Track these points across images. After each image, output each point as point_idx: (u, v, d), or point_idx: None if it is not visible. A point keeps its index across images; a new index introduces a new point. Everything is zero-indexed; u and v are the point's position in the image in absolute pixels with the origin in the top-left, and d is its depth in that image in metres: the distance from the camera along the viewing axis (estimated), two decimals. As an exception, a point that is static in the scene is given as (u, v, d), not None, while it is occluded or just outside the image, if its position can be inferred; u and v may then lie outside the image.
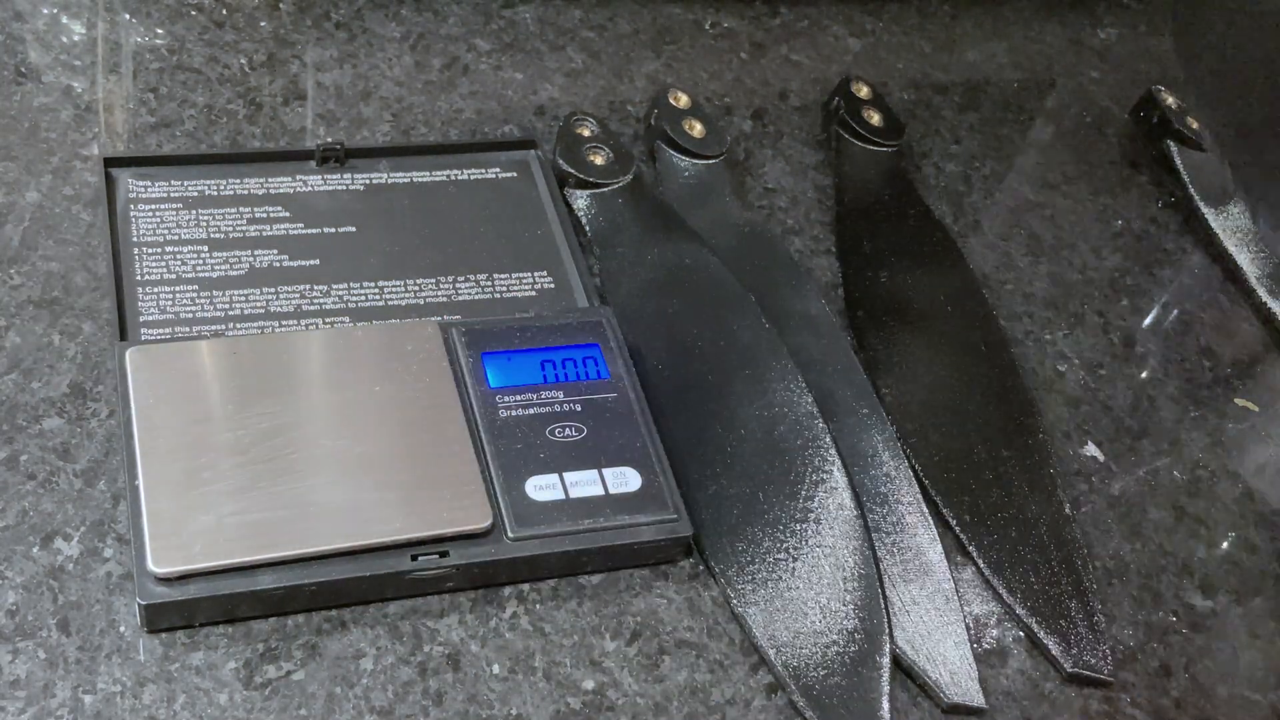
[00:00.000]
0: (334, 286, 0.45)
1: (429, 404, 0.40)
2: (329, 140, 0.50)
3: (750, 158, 0.57)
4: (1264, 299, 0.57)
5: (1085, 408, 0.50)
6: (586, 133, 0.52)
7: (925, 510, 0.44)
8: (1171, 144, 0.62)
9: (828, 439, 0.43)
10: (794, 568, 0.41)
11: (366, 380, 0.41)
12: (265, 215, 0.47)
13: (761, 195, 0.55)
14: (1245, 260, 0.58)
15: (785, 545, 0.41)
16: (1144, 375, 0.52)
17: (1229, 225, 0.59)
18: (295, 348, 0.42)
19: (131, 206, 0.46)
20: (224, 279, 0.45)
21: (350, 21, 0.58)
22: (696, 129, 0.53)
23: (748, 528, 0.41)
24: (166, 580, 0.35)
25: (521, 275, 0.48)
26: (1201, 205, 0.60)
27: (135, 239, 0.45)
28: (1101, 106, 0.66)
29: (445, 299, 0.46)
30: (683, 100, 0.54)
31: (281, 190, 0.48)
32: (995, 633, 0.42)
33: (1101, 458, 0.48)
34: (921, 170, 0.59)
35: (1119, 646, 0.42)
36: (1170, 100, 0.63)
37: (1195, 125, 0.62)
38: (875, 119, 0.57)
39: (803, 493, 0.42)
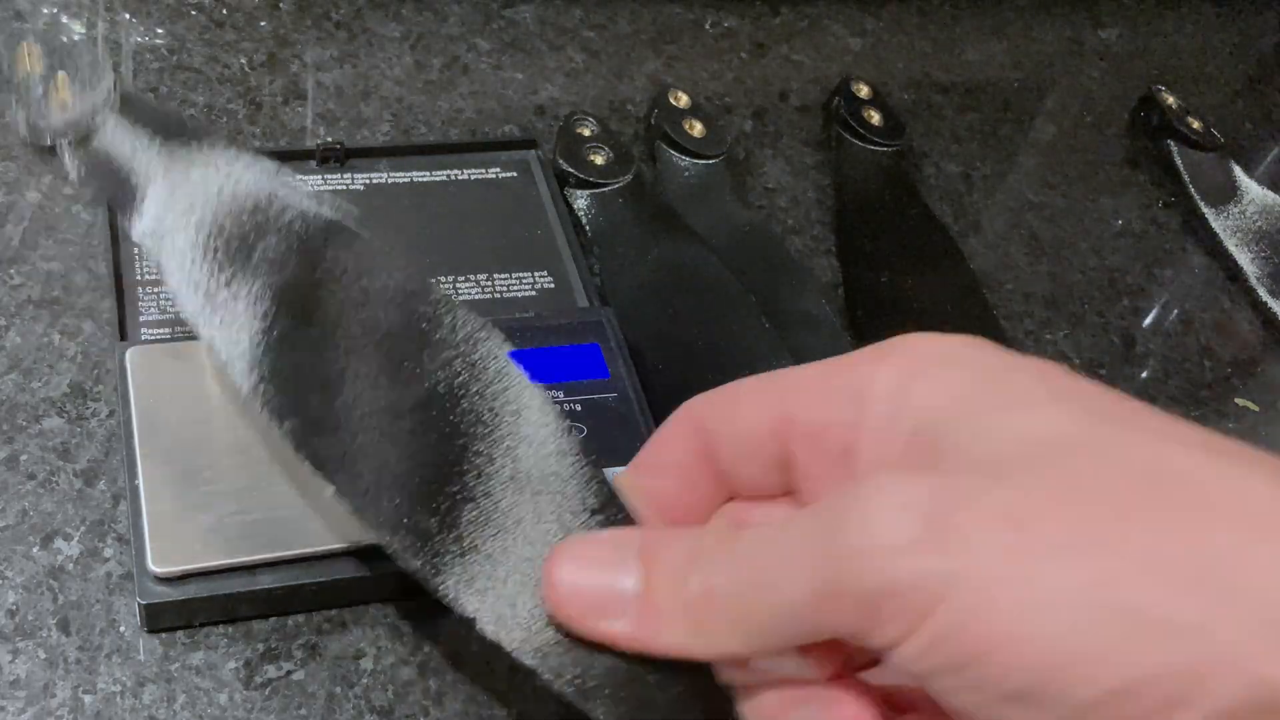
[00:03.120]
0: (334, 286, 0.45)
1: (429, 404, 0.40)
2: (329, 140, 0.50)
3: (750, 158, 0.57)
4: (1264, 299, 0.57)
5: (1085, 408, 0.50)
6: (587, 132, 0.52)
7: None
8: (1172, 144, 0.62)
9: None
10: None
11: (366, 380, 0.40)
12: (265, 215, 0.47)
13: (761, 195, 0.55)
14: (1245, 260, 0.58)
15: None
16: (1144, 375, 0.52)
17: (1229, 225, 0.59)
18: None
19: (131, 206, 0.46)
20: (224, 279, 0.45)
21: (350, 21, 0.58)
22: (697, 129, 0.53)
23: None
24: (166, 580, 0.35)
25: (521, 275, 0.48)
26: (1202, 205, 0.60)
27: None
28: (1102, 106, 0.66)
29: (445, 299, 0.46)
30: (683, 100, 0.54)
31: (281, 190, 0.48)
32: (995, 633, 0.42)
33: (1101, 458, 0.48)
34: (921, 170, 0.59)
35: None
36: (1170, 100, 0.63)
37: (1196, 125, 0.62)
38: (876, 119, 0.57)
39: (803, 493, 0.42)
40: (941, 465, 0.24)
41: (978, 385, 0.25)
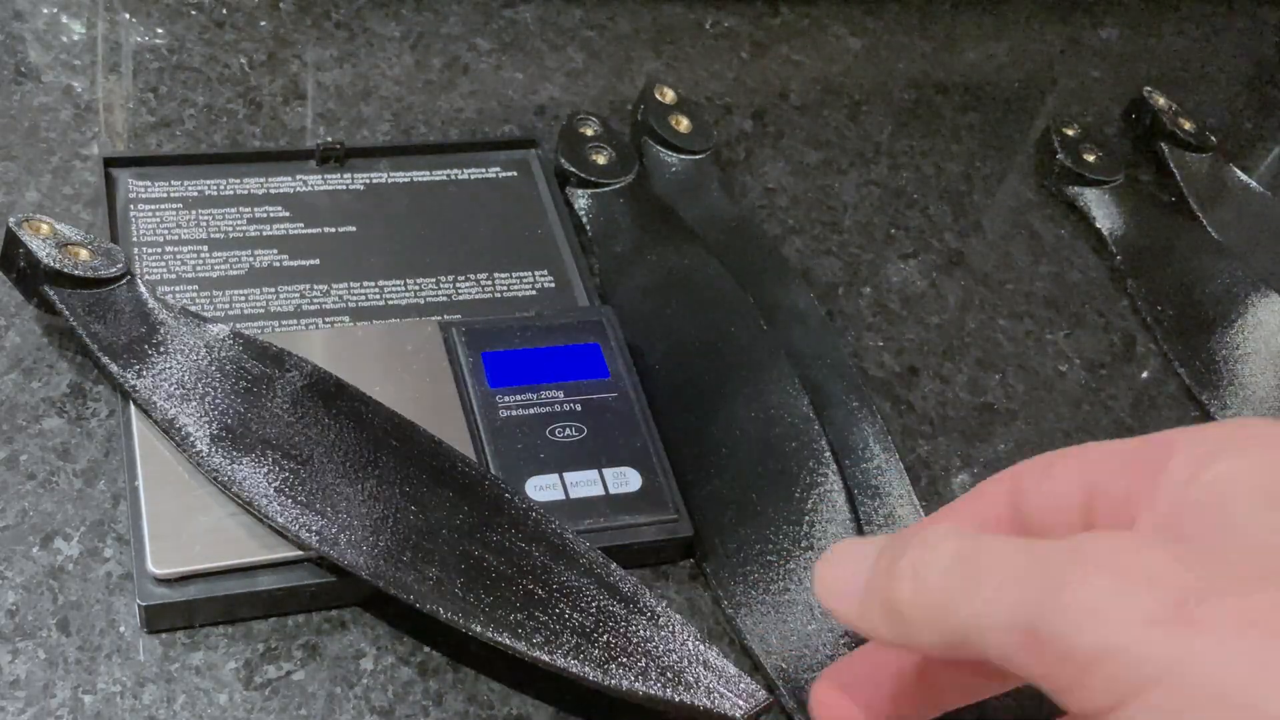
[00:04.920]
0: (334, 286, 0.45)
1: (429, 404, 0.40)
2: (329, 140, 0.50)
3: (750, 157, 0.57)
4: (1259, 298, 0.57)
5: (1085, 408, 0.50)
6: (589, 132, 0.52)
7: (916, 503, 0.44)
8: (1164, 145, 0.61)
9: (823, 442, 0.43)
10: (787, 569, 0.40)
11: (366, 380, 0.41)
12: (265, 215, 0.47)
13: (762, 195, 0.55)
14: (1240, 259, 0.58)
15: (778, 547, 0.41)
16: (1144, 375, 0.52)
17: (1223, 225, 0.59)
18: (295, 347, 0.42)
19: (131, 206, 0.46)
20: (224, 279, 0.45)
21: (350, 21, 0.58)
22: (683, 124, 0.53)
23: (740, 529, 0.41)
24: (166, 581, 0.35)
25: (521, 275, 0.48)
26: (1196, 206, 0.60)
27: (135, 239, 0.45)
28: (1102, 106, 0.66)
29: (445, 299, 0.46)
30: (669, 95, 0.54)
31: (281, 190, 0.48)
32: (995, 633, 0.42)
33: (1101, 458, 0.48)
34: (921, 170, 0.59)
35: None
36: (1161, 101, 0.63)
37: (1188, 126, 0.62)
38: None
39: (796, 495, 0.42)
40: (1209, 540, 0.24)
41: (1275, 473, 0.25)
